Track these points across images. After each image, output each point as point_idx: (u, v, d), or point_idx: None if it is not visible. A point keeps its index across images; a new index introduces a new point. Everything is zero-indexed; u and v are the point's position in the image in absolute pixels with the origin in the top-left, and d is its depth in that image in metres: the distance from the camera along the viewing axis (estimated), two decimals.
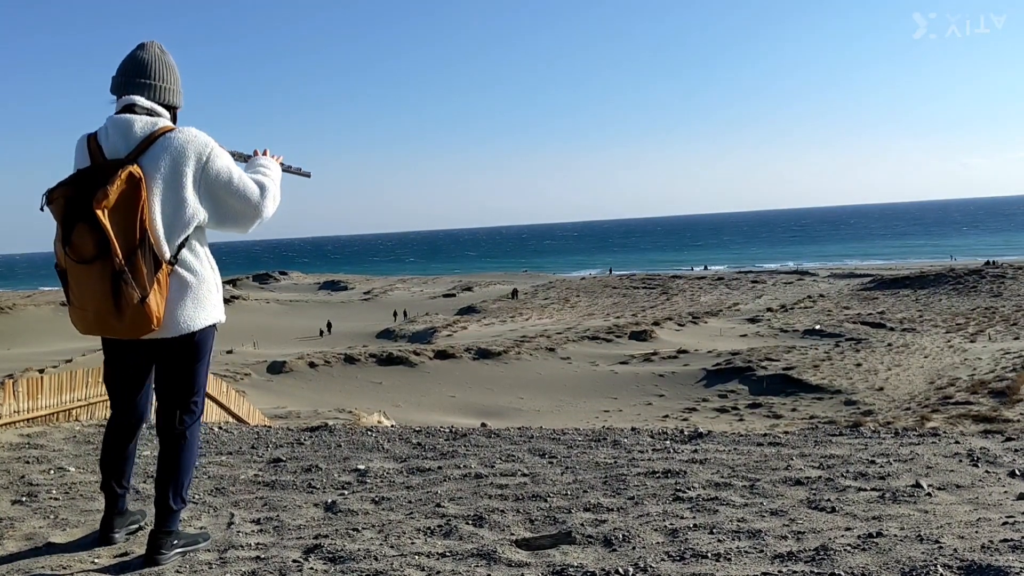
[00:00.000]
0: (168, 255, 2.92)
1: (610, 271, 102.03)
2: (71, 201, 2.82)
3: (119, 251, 2.76)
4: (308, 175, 3.67)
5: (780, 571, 2.77)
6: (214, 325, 3.12)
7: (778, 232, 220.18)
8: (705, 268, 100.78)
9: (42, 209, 2.89)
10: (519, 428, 5.90)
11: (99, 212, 2.74)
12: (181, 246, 2.96)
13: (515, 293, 71.75)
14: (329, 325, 58.55)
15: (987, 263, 70.92)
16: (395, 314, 64.70)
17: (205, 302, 3.03)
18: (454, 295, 77.37)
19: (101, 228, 2.74)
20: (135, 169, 2.82)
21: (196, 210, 2.96)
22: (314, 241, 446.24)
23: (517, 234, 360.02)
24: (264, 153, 3.40)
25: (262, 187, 3.11)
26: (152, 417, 3.31)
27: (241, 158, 3.37)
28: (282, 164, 3.44)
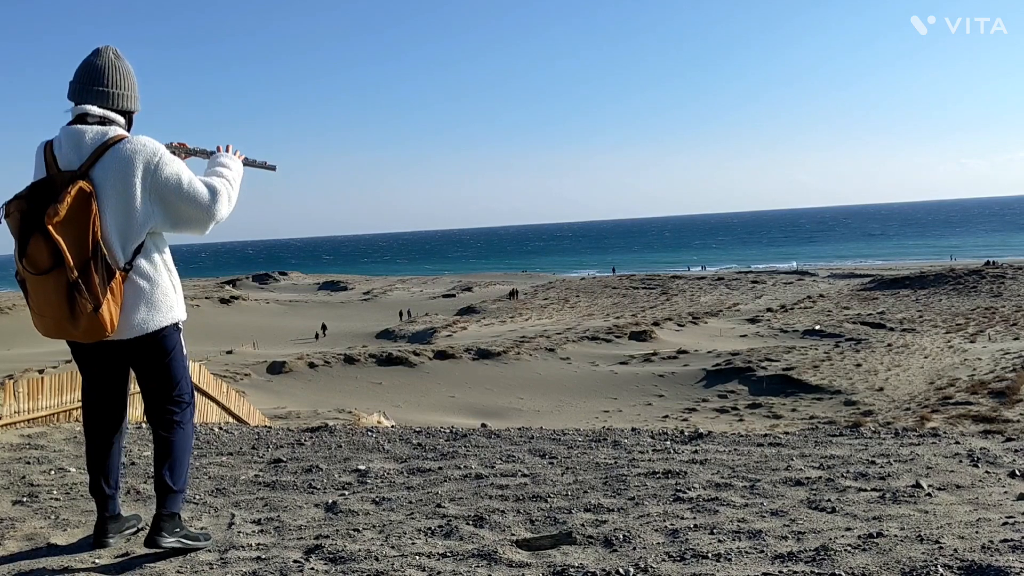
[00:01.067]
0: (122, 262, 3.01)
1: (613, 270, 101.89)
2: (26, 215, 2.91)
3: (72, 263, 2.86)
4: (273, 168, 3.70)
5: (781, 571, 2.78)
6: (175, 324, 3.20)
7: (777, 233, 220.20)
8: (703, 268, 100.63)
9: (0, 222, 2.95)
10: (519, 429, 5.90)
11: (51, 227, 2.83)
12: (136, 252, 3.03)
13: (514, 293, 71.77)
14: (324, 327, 57.95)
15: (987, 263, 70.94)
16: (401, 314, 64.87)
17: (160, 305, 3.11)
18: (454, 295, 77.36)
19: (54, 241, 2.84)
20: (85, 184, 2.91)
21: (148, 217, 3.03)
22: (310, 242, 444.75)
23: (516, 234, 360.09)
24: (227, 149, 3.45)
25: (212, 190, 3.15)
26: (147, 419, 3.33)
27: (203, 154, 3.43)
28: (245, 159, 3.49)
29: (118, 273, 2.98)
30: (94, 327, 2.93)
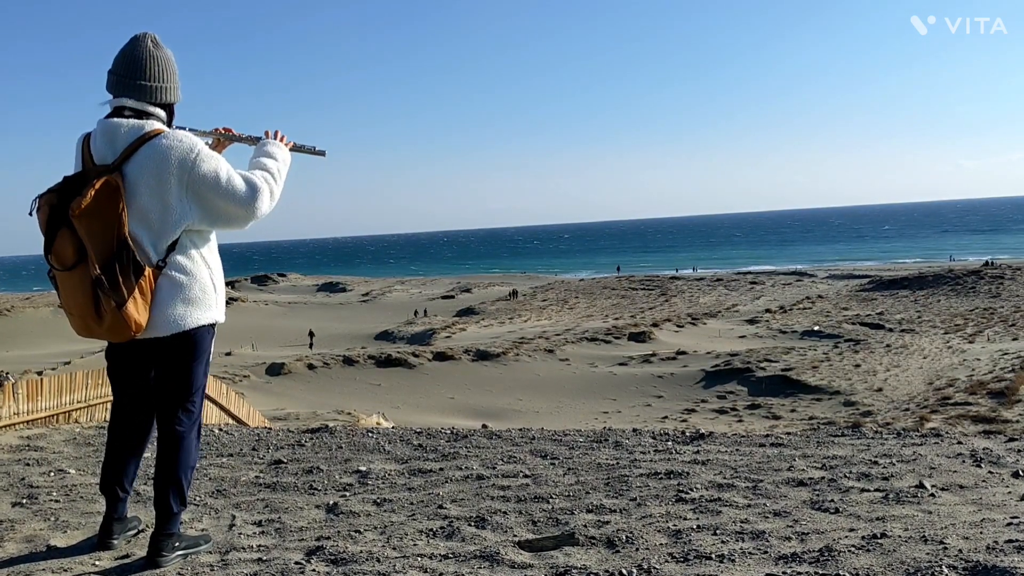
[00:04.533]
0: (155, 260, 2.92)
1: (618, 269, 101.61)
2: (54, 209, 2.86)
3: (95, 258, 2.79)
4: (322, 153, 3.57)
5: (784, 572, 2.76)
6: (211, 325, 3.11)
7: (776, 233, 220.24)
8: (694, 270, 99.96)
9: (31, 214, 2.92)
10: (520, 429, 5.88)
11: (74, 220, 2.78)
12: (170, 250, 2.95)
13: (514, 294, 71.74)
14: (312, 334, 55.54)
15: (985, 264, 70.97)
16: (416, 312, 65.07)
17: (198, 302, 3.02)
18: (453, 296, 77.27)
19: (79, 236, 2.79)
20: (112, 178, 2.83)
21: (183, 214, 2.94)
22: (309, 244, 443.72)
23: (516, 235, 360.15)
24: (275, 135, 3.36)
25: (252, 186, 3.05)
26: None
27: (250, 141, 3.34)
28: (293, 145, 3.39)
29: (148, 270, 2.88)
30: (118, 326, 2.84)
